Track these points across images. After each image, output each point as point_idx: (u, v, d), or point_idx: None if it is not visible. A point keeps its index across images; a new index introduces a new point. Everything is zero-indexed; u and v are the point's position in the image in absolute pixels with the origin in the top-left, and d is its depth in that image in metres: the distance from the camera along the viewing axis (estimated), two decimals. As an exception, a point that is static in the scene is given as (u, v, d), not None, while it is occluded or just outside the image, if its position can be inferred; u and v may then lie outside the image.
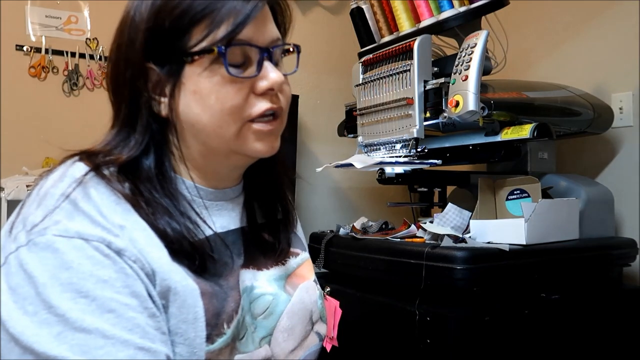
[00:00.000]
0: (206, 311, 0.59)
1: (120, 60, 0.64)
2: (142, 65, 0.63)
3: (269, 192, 0.77)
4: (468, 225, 1.35)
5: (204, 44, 0.61)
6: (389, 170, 1.43)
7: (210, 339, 0.59)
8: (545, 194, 1.41)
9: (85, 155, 0.62)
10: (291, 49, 0.70)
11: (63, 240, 0.53)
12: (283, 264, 0.76)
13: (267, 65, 0.64)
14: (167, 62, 0.62)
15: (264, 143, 0.66)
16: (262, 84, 0.63)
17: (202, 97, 0.62)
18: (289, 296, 0.73)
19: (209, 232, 0.65)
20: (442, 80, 1.36)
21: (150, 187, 0.62)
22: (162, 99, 0.64)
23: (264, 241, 0.74)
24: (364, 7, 1.69)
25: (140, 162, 0.63)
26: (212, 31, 0.60)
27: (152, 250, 0.58)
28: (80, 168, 0.60)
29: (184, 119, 0.63)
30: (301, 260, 0.80)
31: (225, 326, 0.61)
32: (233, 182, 0.72)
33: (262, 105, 0.64)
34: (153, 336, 0.54)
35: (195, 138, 0.65)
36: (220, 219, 0.69)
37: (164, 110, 0.64)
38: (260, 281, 0.70)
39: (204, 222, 0.65)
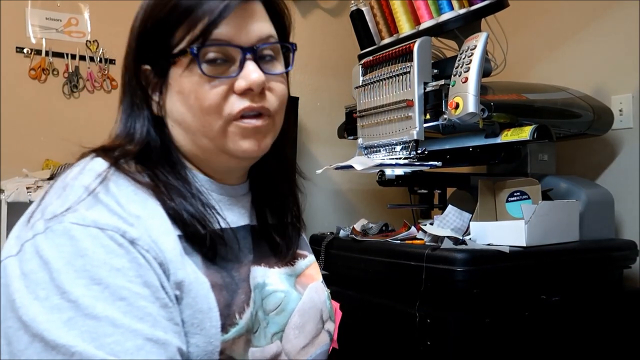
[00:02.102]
0: (218, 302, 0.61)
1: (124, 63, 0.69)
2: (136, 67, 0.66)
3: (278, 194, 0.78)
4: (468, 227, 1.35)
5: (182, 45, 0.63)
6: (389, 172, 1.43)
7: (224, 328, 0.60)
8: (546, 195, 1.41)
9: (102, 152, 0.64)
10: (286, 46, 0.69)
11: (79, 228, 0.54)
12: (292, 265, 0.77)
13: (249, 65, 0.64)
14: (156, 63, 0.65)
15: (250, 141, 0.65)
16: (240, 84, 0.63)
17: (185, 97, 0.64)
18: (300, 295, 0.74)
19: (222, 224, 0.66)
20: (442, 82, 1.36)
21: (165, 171, 0.65)
22: (156, 99, 0.67)
23: (273, 241, 0.75)
24: (363, 9, 1.70)
25: (150, 150, 0.66)
26: (189, 32, 0.62)
27: (167, 240, 0.59)
28: (100, 163, 0.62)
29: (172, 117, 0.66)
30: (309, 262, 0.82)
31: (237, 316, 0.62)
32: (238, 180, 0.74)
33: (240, 104, 0.64)
34: (165, 326, 0.55)
35: (184, 137, 0.67)
36: (231, 214, 0.70)
37: (156, 109, 0.67)
38: (272, 278, 0.71)
39: (217, 213, 0.66)
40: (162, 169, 0.64)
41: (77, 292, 0.51)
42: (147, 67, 0.66)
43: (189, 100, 0.63)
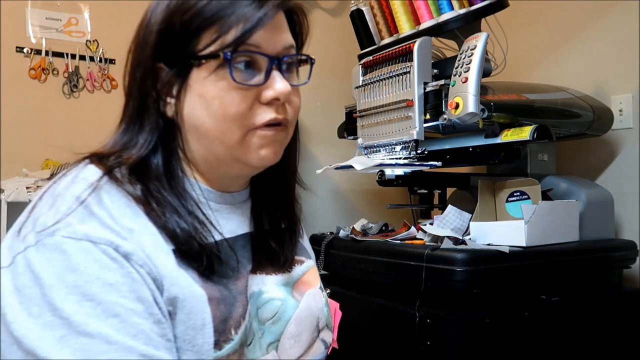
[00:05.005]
0: (214, 317, 0.59)
1: (134, 60, 0.66)
2: (152, 65, 0.64)
3: (276, 201, 0.77)
4: (468, 227, 1.35)
5: (212, 49, 0.61)
6: (388, 172, 1.43)
7: (218, 345, 0.59)
8: (545, 195, 1.41)
9: (96, 158, 0.62)
10: (304, 59, 0.70)
11: (71, 242, 0.53)
12: (289, 272, 0.76)
13: (276, 74, 0.64)
14: (176, 63, 0.63)
15: (268, 149, 0.65)
16: (268, 94, 0.63)
17: (207, 101, 0.62)
18: (297, 302, 0.73)
19: (217, 237, 0.65)
20: (442, 82, 1.36)
21: (160, 186, 0.62)
22: (169, 100, 0.64)
23: (270, 248, 0.74)
24: (363, 9, 1.70)
25: (149, 161, 0.63)
26: (221, 36, 0.61)
27: (160, 256, 0.58)
28: (92, 171, 0.60)
29: (188, 121, 0.64)
30: (306, 267, 0.80)
31: (232, 332, 0.61)
32: (239, 187, 0.73)
33: (266, 115, 0.63)
34: (157, 343, 0.54)
35: (198, 142, 0.65)
36: (229, 223, 0.69)
37: (169, 111, 0.65)
38: (269, 286, 0.71)
39: (212, 225, 0.64)
40: (156, 182, 0.62)
41: (69, 309, 0.51)
42: (163, 65, 0.64)
43: (212, 105, 0.62)
